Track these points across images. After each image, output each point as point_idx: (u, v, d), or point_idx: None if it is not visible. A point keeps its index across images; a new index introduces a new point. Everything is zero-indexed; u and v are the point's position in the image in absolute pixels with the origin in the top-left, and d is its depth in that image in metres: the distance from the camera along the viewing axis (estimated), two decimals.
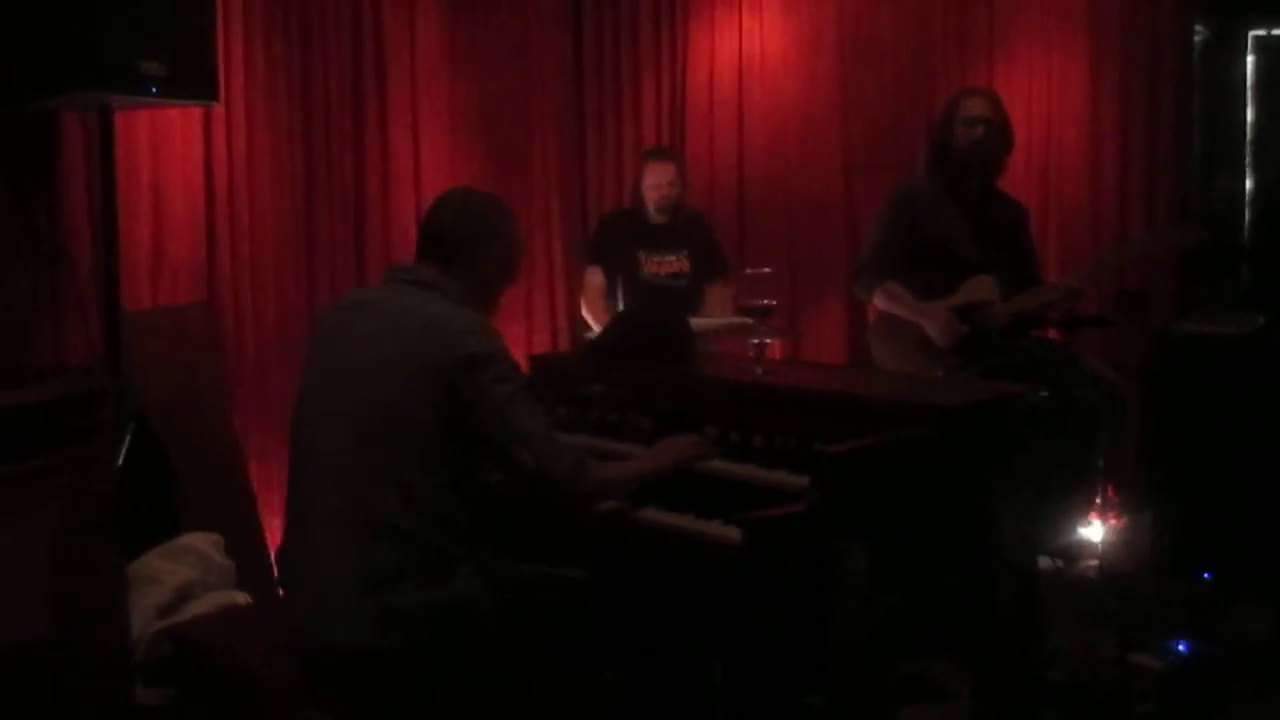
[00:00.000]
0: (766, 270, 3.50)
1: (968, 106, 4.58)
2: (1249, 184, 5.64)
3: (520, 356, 5.34)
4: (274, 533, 4.86)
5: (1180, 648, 3.97)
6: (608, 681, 3.01)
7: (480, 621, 2.70)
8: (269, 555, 4.69)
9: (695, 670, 3.24)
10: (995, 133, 4.56)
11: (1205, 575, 4.70)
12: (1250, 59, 5.65)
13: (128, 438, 3.88)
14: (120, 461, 3.80)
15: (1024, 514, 2.96)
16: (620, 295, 5.26)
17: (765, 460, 2.95)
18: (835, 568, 2.55)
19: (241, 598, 4.03)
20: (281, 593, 3.07)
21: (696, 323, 4.47)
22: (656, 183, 5.33)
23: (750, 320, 3.52)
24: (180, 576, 3.90)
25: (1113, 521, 4.52)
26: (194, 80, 3.86)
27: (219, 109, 4.55)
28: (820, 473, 2.65)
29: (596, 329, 5.18)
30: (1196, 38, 5.60)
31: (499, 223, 2.99)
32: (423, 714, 2.64)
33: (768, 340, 3.52)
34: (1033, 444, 3.00)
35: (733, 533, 2.68)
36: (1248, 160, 5.63)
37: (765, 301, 3.43)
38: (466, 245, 2.91)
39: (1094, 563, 4.86)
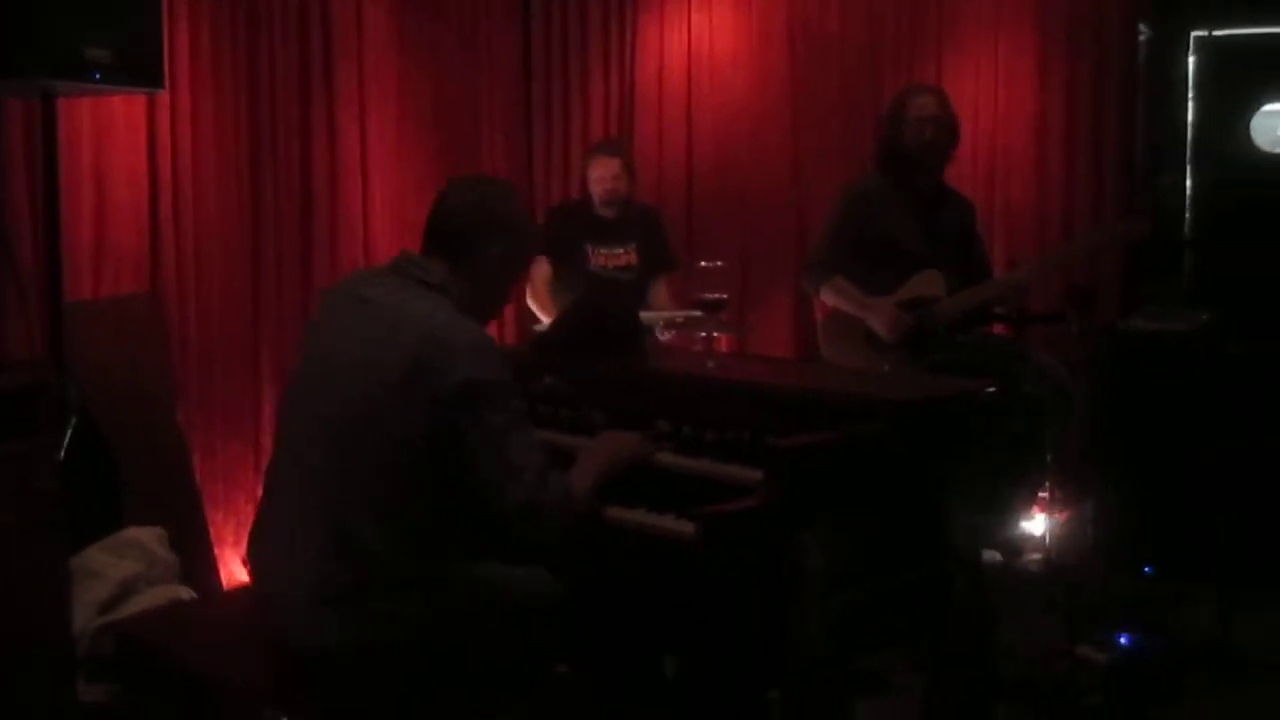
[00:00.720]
0: (720, 264, 3.49)
1: (917, 106, 4.58)
2: (1189, 182, 5.71)
3: None
4: (218, 527, 4.83)
5: (1124, 641, 4.01)
6: (570, 682, 2.98)
7: (443, 636, 2.66)
8: (212, 549, 4.65)
9: (650, 665, 3.23)
10: (944, 131, 4.58)
11: (1147, 569, 4.76)
12: (1192, 59, 5.71)
13: (70, 431, 3.82)
14: (62, 455, 3.74)
15: (975, 508, 2.98)
16: (568, 288, 5.24)
17: (718, 454, 2.93)
18: (791, 562, 2.55)
19: (185, 592, 3.98)
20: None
21: (645, 316, 4.46)
22: (601, 176, 5.31)
23: (699, 314, 3.51)
24: (123, 571, 3.85)
25: (1055, 516, 4.57)
26: (139, 67, 3.80)
27: (163, 97, 4.48)
28: (775, 467, 2.64)
29: (544, 319, 5.15)
30: (1141, 37, 5.66)
31: (515, 217, 2.86)
32: (378, 716, 2.61)
33: (715, 334, 3.52)
34: (984, 439, 3.01)
35: (687, 527, 2.67)
36: (1189, 158, 5.69)
37: (718, 295, 3.42)
38: (477, 242, 2.76)
39: (1037, 556, 4.91)
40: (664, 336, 4.86)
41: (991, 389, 3.07)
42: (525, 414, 2.67)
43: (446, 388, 2.53)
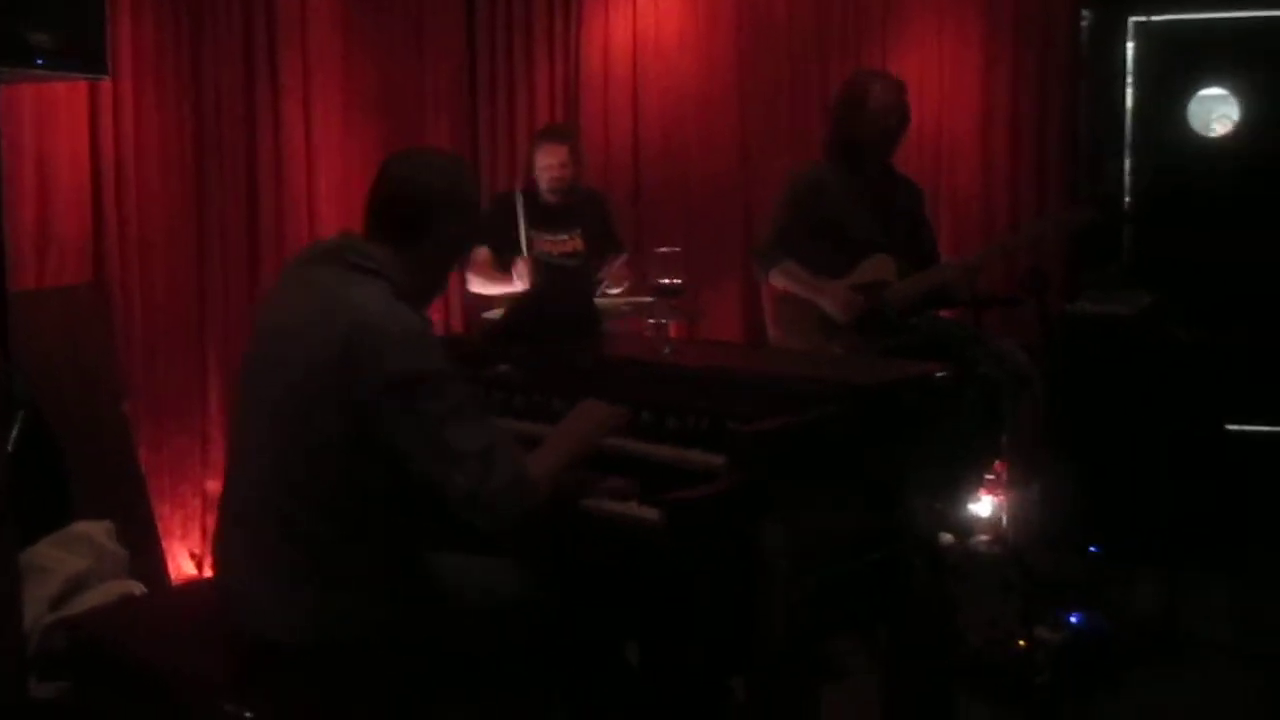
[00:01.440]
0: (676, 249, 3.49)
1: (880, 96, 4.53)
2: (1128, 166, 5.79)
3: None
4: (165, 520, 4.77)
5: (1074, 620, 4.06)
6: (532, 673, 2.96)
7: (386, 623, 2.64)
8: (160, 543, 4.59)
9: (612, 653, 3.23)
10: (905, 120, 4.58)
11: (1093, 549, 4.81)
12: (1130, 44, 5.78)
13: (17, 424, 3.76)
14: (9, 448, 3.67)
15: (933, 491, 2.99)
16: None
17: (679, 440, 2.93)
18: (755, 546, 2.55)
19: (136, 587, 3.93)
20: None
21: (597, 302, 4.46)
22: (549, 164, 5.29)
23: (649, 300, 3.50)
24: (72, 566, 3.79)
25: (1005, 497, 4.61)
26: (83, 53, 3.73)
27: (107, 84, 4.43)
28: (737, 452, 2.64)
29: (493, 291, 5.14)
30: (1083, 23, 5.72)
31: (465, 194, 2.74)
32: (337, 708, 2.59)
33: (664, 320, 3.51)
34: (941, 422, 3.03)
35: (651, 513, 2.66)
36: (1127, 143, 5.77)
37: (673, 280, 3.42)
38: (425, 224, 2.66)
39: (985, 537, 4.96)
40: (620, 325, 4.85)
41: (946, 372, 3.09)
42: (468, 402, 2.58)
43: (376, 378, 2.47)
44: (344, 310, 2.52)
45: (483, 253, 5.27)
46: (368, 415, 2.50)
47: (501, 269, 5.20)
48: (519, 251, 5.17)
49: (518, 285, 4.96)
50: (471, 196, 2.79)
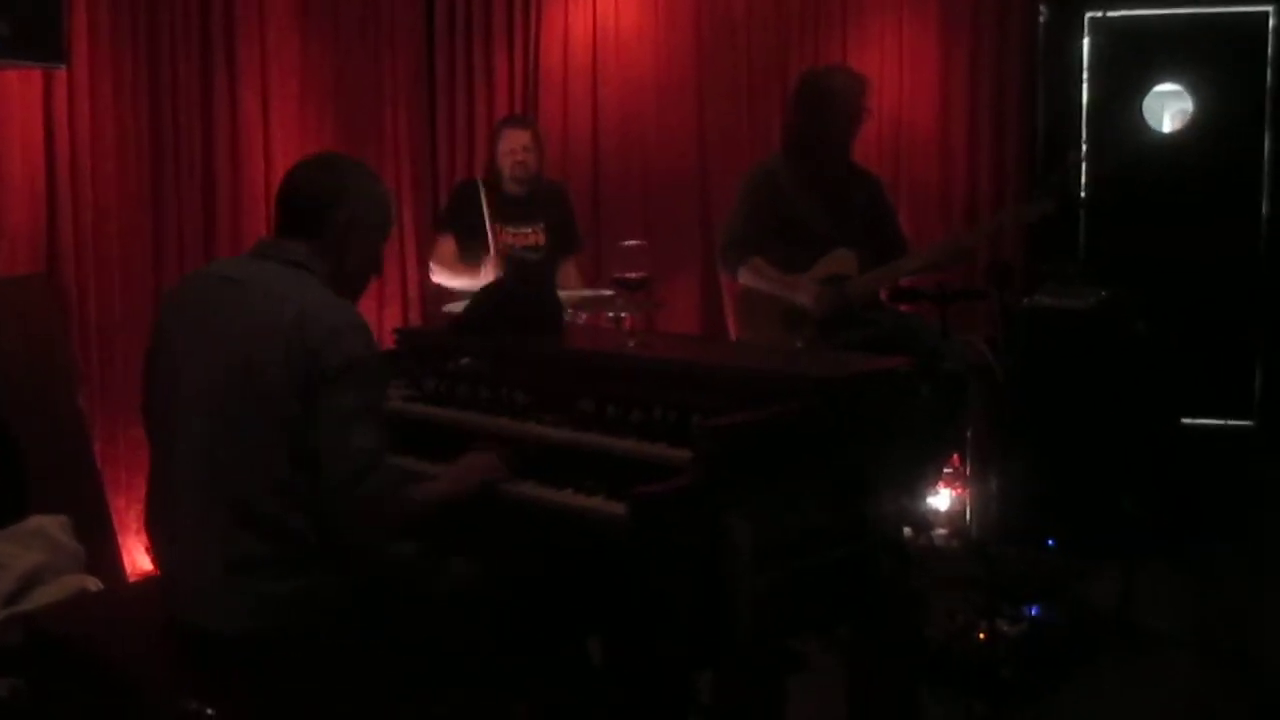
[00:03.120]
0: (641, 243, 3.49)
1: (849, 93, 4.53)
2: (1084, 159, 5.81)
3: (373, 331, 5.30)
4: (121, 514, 4.72)
5: (1033, 613, 4.09)
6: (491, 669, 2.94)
7: (347, 614, 2.63)
8: (115, 537, 4.55)
9: (575, 649, 3.22)
10: (865, 114, 4.59)
11: (1051, 542, 4.85)
12: (1086, 40, 5.81)
13: None
14: None
15: (898, 485, 3.00)
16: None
17: (644, 434, 2.92)
18: (720, 542, 2.55)
19: (92, 582, 3.88)
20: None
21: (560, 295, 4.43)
22: (512, 148, 5.26)
23: (609, 293, 3.50)
24: (27, 561, 3.74)
25: (964, 491, 4.64)
26: (40, 41, 3.70)
27: (61, 73, 4.38)
28: (704, 446, 2.64)
29: (457, 284, 5.11)
30: (1040, 18, 5.75)
31: (357, 182, 2.82)
32: (297, 702, 2.57)
33: (624, 314, 3.51)
34: (906, 416, 3.03)
35: (617, 508, 2.66)
36: (1083, 138, 5.79)
37: (638, 274, 3.41)
38: (325, 213, 2.74)
39: (943, 531, 4.99)
40: (579, 319, 4.83)
41: (910, 366, 3.10)
42: (379, 405, 2.67)
43: (316, 364, 2.53)
44: (287, 299, 2.59)
45: (448, 243, 5.25)
46: (309, 397, 2.54)
47: (466, 258, 5.18)
48: (483, 239, 5.15)
49: (483, 279, 4.94)
50: (362, 182, 2.84)
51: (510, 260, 5.14)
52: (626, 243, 3.47)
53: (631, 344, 3.39)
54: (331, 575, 2.62)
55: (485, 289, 3.81)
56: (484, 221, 5.14)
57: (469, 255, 5.19)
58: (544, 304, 3.66)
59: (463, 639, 2.79)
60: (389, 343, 3.93)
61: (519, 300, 3.63)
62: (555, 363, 3.35)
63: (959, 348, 4.22)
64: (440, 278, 5.25)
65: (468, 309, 3.72)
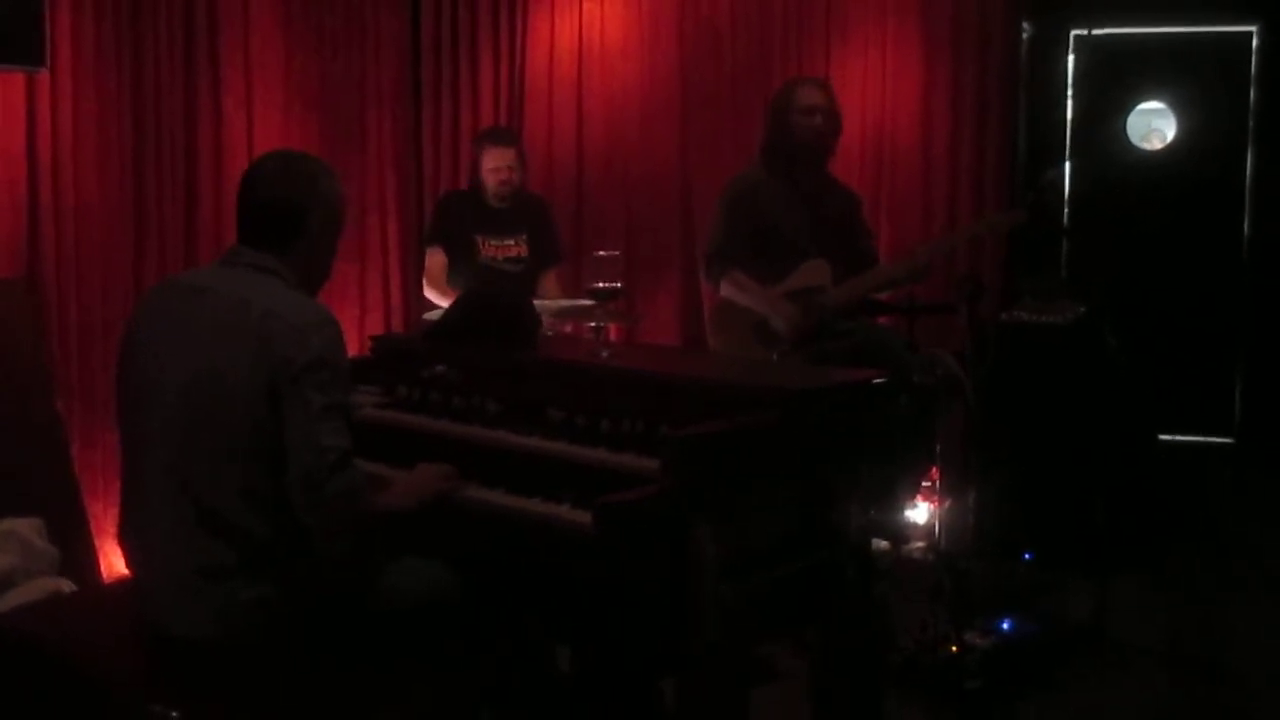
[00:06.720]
0: (615, 253, 3.51)
1: (803, 96, 4.64)
2: (1066, 176, 5.85)
3: (355, 338, 5.31)
4: (97, 518, 4.72)
5: (1005, 626, 4.10)
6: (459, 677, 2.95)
7: (313, 621, 2.64)
8: (93, 541, 4.55)
9: (542, 657, 3.23)
10: (831, 120, 4.65)
11: (1026, 556, 4.86)
12: (1071, 57, 5.85)
13: None
14: None
15: (866, 497, 3.01)
16: (458, 278, 5.21)
17: (613, 443, 2.93)
18: (688, 551, 2.55)
19: (66, 585, 3.90)
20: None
21: (536, 305, 4.45)
22: (496, 167, 5.28)
23: (588, 303, 3.51)
24: (0, 563, 3.75)
25: (937, 504, 4.65)
26: (20, 44, 3.71)
27: (43, 77, 4.39)
28: (671, 456, 2.64)
29: (442, 303, 5.13)
30: (1024, 35, 5.78)
31: (327, 185, 2.84)
32: (262, 707, 2.58)
33: (602, 324, 3.53)
34: (875, 428, 3.04)
35: (583, 516, 2.66)
36: (1067, 153, 5.83)
37: (612, 284, 3.43)
38: (298, 222, 2.76)
39: (921, 544, 5.00)
40: (561, 329, 4.84)
41: (881, 379, 3.11)
42: (346, 403, 2.67)
43: (284, 364, 2.55)
44: (255, 303, 2.62)
45: (437, 257, 5.27)
46: (276, 398, 2.56)
47: (455, 271, 5.20)
48: (472, 252, 5.18)
49: None
50: (328, 185, 2.85)
51: (487, 270, 5.17)
52: (599, 253, 3.49)
53: (604, 354, 3.40)
54: (298, 582, 2.63)
55: (461, 298, 3.83)
56: (471, 234, 5.16)
57: (458, 267, 5.21)
58: (519, 313, 3.66)
59: (429, 647, 2.80)
60: (367, 350, 3.93)
61: (494, 309, 3.64)
62: (527, 372, 3.36)
63: (927, 361, 4.24)
64: (432, 296, 5.27)
65: (442, 317, 3.74)
